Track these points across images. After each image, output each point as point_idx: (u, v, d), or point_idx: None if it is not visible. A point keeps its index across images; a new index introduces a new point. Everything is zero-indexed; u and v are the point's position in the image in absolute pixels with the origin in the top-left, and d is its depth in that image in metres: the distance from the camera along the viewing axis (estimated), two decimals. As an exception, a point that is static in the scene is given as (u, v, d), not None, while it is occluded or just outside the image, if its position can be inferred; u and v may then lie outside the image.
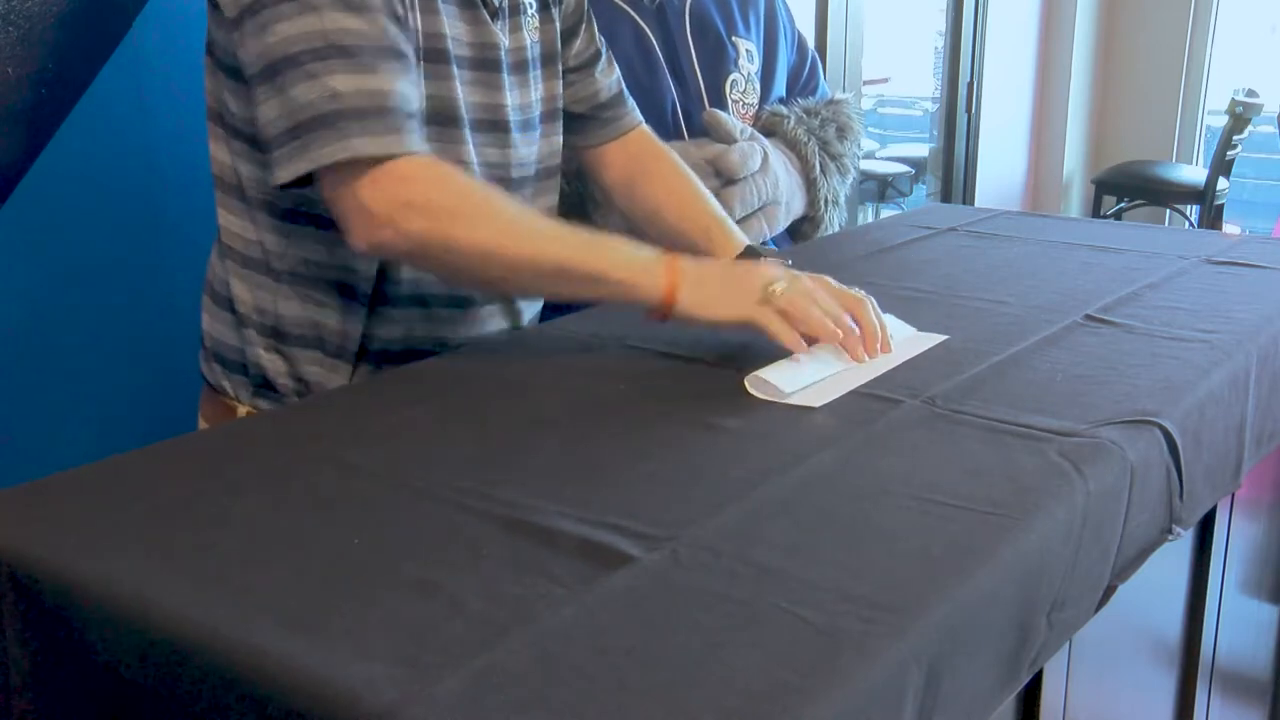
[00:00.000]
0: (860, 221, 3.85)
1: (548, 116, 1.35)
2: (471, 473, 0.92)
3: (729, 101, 1.73)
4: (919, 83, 5.36)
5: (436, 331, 1.28)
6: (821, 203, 1.79)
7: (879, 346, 1.17)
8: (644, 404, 1.08)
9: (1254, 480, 1.35)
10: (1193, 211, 4.74)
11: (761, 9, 1.81)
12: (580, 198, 1.64)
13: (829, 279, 1.22)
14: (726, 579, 0.75)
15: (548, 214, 1.37)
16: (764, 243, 1.73)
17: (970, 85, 4.38)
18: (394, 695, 0.63)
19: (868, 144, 4.49)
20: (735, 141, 1.67)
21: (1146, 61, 4.98)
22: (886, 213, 4.66)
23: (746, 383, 1.09)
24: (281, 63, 1.07)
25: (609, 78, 1.42)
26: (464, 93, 1.22)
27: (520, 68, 1.30)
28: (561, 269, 1.12)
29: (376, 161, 1.07)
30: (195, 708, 0.71)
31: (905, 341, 1.22)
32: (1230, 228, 4.77)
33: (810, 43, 1.97)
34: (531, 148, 1.33)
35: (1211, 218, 4.56)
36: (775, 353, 1.14)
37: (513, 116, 1.28)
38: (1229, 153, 4.55)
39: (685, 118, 1.70)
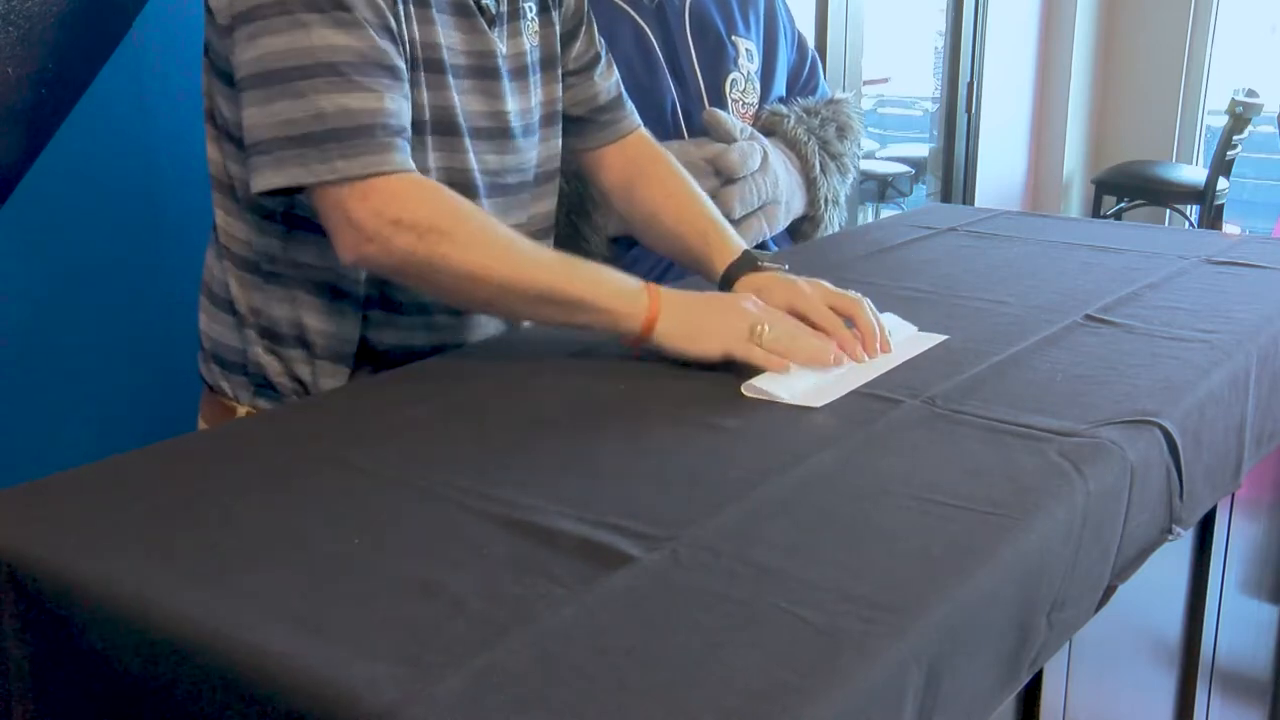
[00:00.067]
0: (860, 221, 3.85)
1: (547, 120, 1.35)
2: (471, 473, 0.92)
3: (729, 101, 1.73)
4: (919, 83, 5.36)
5: (437, 338, 1.28)
6: (821, 202, 1.79)
7: (879, 346, 1.18)
8: (644, 404, 1.08)
9: (1254, 480, 1.35)
10: (1193, 211, 4.74)
11: (761, 8, 1.81)
12: (580, 198, 1.64)
13: (824, 283, 1.23)
14: (726, 579, 0.75)
15: (546, 218, 1.37)
16: (764, 242, 1.73)
17: (970, 85, 4.38)
18: (395, 695, 0.63)
19: (868, 144, 4.48)
20: (735, 141, 1.67)
21: (1146, 61, 4.98)
22: (886, 213, 4.66)
23: (744, 389, 1.09)
24: (269, 76, 1.07)
25: (608, 80, 1.42)
26: (462, 101, 1.23)
27: (520, 73, 1.30)
28: (546, 294, 1.12)
29: (363, 178, 1.07)
30: (195, 708, 0.71)
31: (905, 341, 1.22)
32: (1230, 228, 4.77)
33: (810, 43, 1.97)
34: (531, 152, 1.33)
35: (1211, 218, 4.56)
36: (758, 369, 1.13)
37: (514, 122, 1.28)
38: (1229, 153, 4.55)
39: (685, 117, 1.70)
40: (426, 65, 1.18)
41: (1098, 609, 0.96)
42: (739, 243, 1.35)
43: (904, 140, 5.94)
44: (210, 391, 1.31)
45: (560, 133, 1.38)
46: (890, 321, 1.23)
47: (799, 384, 1.09)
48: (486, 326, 1.32)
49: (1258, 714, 1.69)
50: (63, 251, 1.59)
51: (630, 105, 1.45)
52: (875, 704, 0.67)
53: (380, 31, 1.10)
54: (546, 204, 1.37)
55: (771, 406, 1.06)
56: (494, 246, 1.12)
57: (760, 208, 1.70)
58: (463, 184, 1.21)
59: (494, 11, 1.25)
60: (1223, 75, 5.01)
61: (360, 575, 0.77)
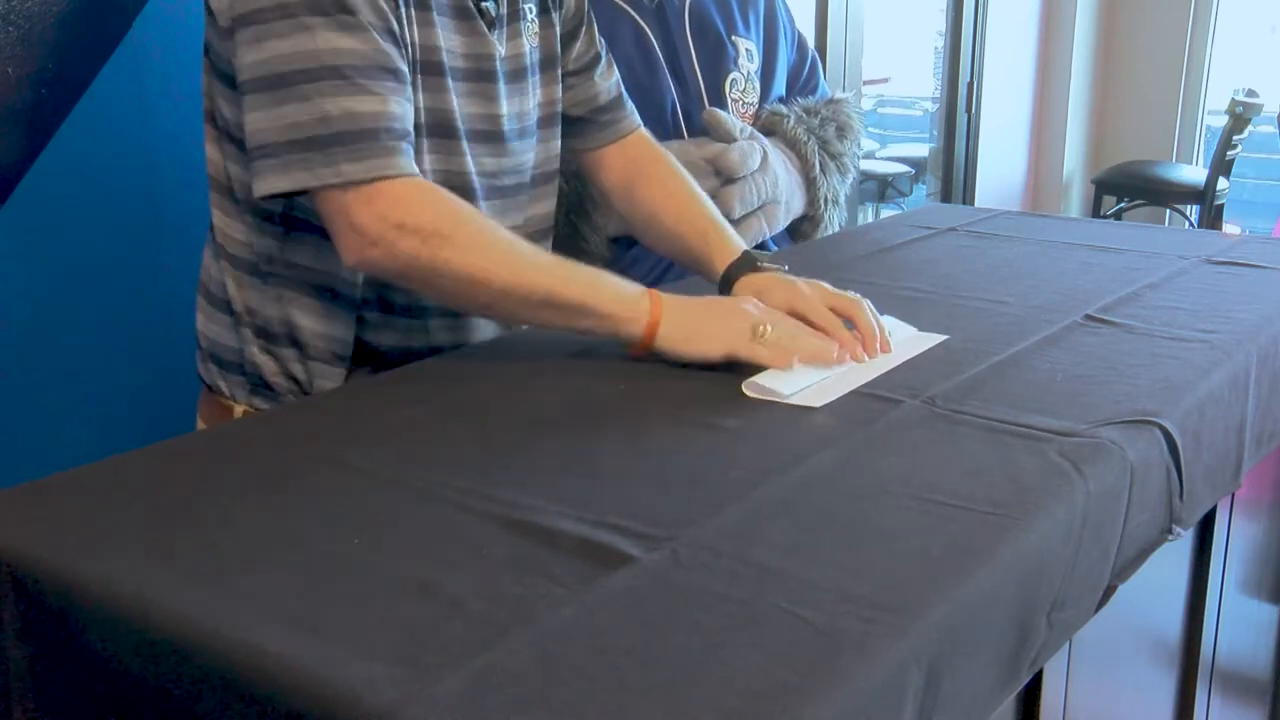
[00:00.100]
0: (860, 221, 3.85)
1: (545, 121, 1.35)
2: (471, 473, 0.92)
3: (729, 101, 1.73)
4: (919, 83, 5.36)
5: (434, 340, 1.28)
6: (821, 202, 1.79)
7: (879, 346, 1.18)
8: (644, 404, 1.08)
9: (1254, 480, 1.35)
10: (1193, 211, 4.74)
11: (761, 8, 1.81)
12: (579, 198, 1.64)
13: (823, 283, 1.23)
14: (726, 579, 0.75)
15: (544, 219, 1.37)
16: (763, 242, 1.73)
17: (970, 85, 4.38)
18: (394, 695, 0.63)
19: (868, 144, 4.48)
20: (735, 140, 1.67)
21: (1146, 61, 4.98)
22: (886, 213, 4.66)
23: (744, 388, 1.09)
24: (273, 80, 1.07)
25: (608, 81, 1.42)
26: (460, 104, 1.23)
27: (518, 75, 1.30)
28: (548, 299, 1.13)
29: (367, 182, 1.07)
30: (195, 708, 0.71)
31: (905, 341, 1.22)
32: (1230, 228, 4.76)
33: (810, 43, 1.97)
34: (528, 154, 1.32)
35: (1211, 218, 4.56)
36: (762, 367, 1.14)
37: (508, 125, 1.28)
38: (1229, 153, 4.55)
39: (685, 117, 1.70)
40: (426, 68, 1.19)
41: (1098, 609, 0.96)
42: (739, 243, 1.35)
43: (904, 140, 5.94)
44: (208, 390, 1.31)
45: (559, 134, 1.38)
46: (889, 323, 1.23)
47: (800, 381, 1.09)
48: (484, 328, 1.33)
49: (1258, 714, 1.69)
50: (63, 251, 1.59)
51: (631, 105, 1.45)
52: (875, 704, 0.67)
53: (384, 35, 1.10)
54: (545, 205, 1.37)
55: (771, 406, 1.06)
56: (494, 250, 1.12)
57: (760, 207, 1.70)
58: (459, 186, 1.21)
59: (494, 14, 1.25)
60: (1223, 75, 5.01)
61: (359, 575, 0.77)
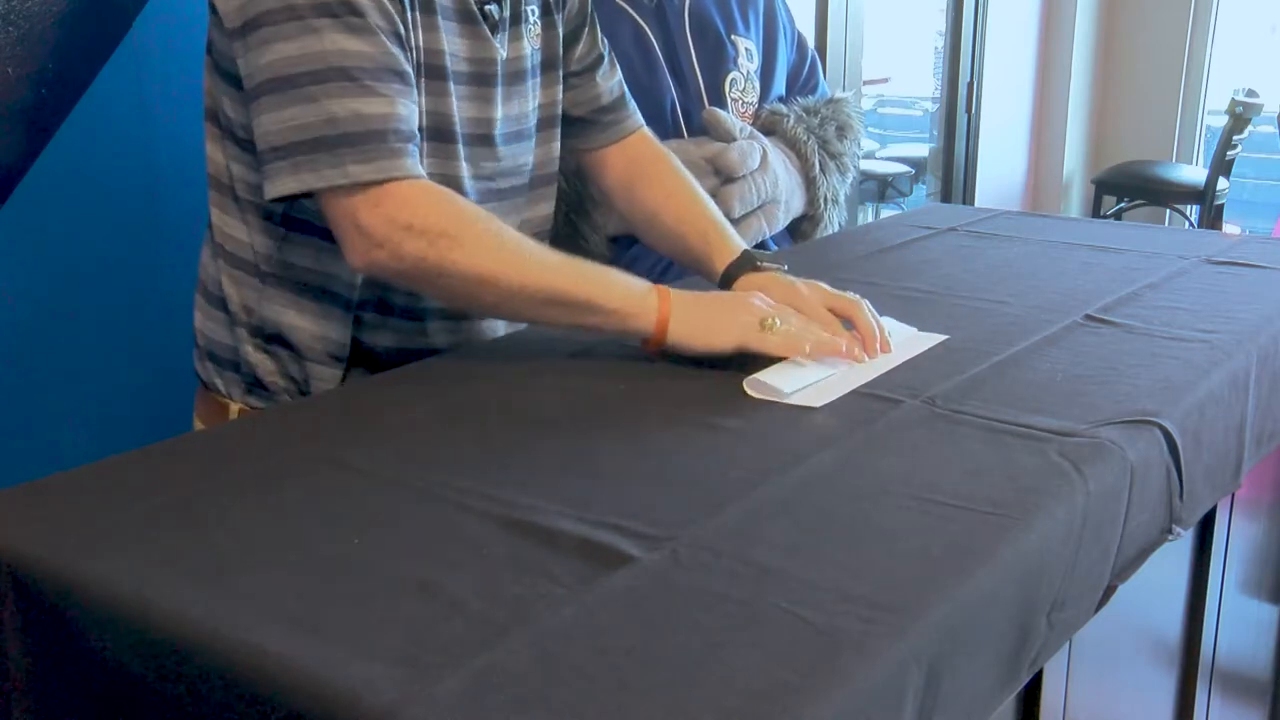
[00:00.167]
0: (860, 221, 3.85)
1: (545, 123, 1.35)
2: (471, 473, 0.92)
3: (728, 100, 1.73)
4: (919, 83, 5.36)
5: (433, 341, 1.28)
6: (821, 201, 1.79)
7: (879, 346, 1.18)
8: (644, 404, 1.08)
9: (1254, 480, 1.35)
10: (1193, 211, 4.74)
11: (761, 8, 1.81)
12: (579, 197, 1.64)
13: (822, 284, 1.23)
14: (726, 579, 0.75)
15: (543, 221, 1.37)
16: (763, 242, 1.73)
17: (970, 85, 4.38)
18: (394, 695, 0.63)
19: (868, 144, 4.48)
20: (734, 140, 1.67)
21: (1146, 61, 4.98)
22: (886, 213, 4.66)
23: (746, 385, 1.09)
24: (281, 82, 1.07)
25: (610, 81, 1.42)
26: (459, 108, 1.23)
27: (517, 78, 1.30)
28: (555, 297, 1.13)
29: (375, 183, 1.08)
30: (195, 708, 0.71)
31: (905, 341, 1.22)
32: (1230, 228, 4.76)
33: (810, 43, 1.97)
34: (525, 157, 1.32)
35: (1211, 218, 4.56)
36: (772, 356, 1.14)
37: (500, 129, 1.28)
38: (1229, 153, 4.55)
39: (685, 116, 1.70)
40: (429, 72, 1.19)
41: (1098, 609, 0.96)
42: (739, 243, 1.35)
43: (904, 140, 5.94)
44: (204, 388, 1.32)
45: (559, 135, 1.38)
46: (889, 323, 1.23)
47: (801, 380, 1.09)
48: (483, 329, 1.32)
49: (1258, 714, 1.69)
50: (63, 251, 1.59)
51: (633, 105, 1.45)
52: (875, 704, 0.67)
53: (391, 37, 1.11)
54: (543, 207, 1.37)
55: (771, 406, 1.06)
56: (501, 250, 1.12)
57: (760, 207, 1.70)
58: (454, 190, 1.21)
59: (497, 17, 1.25)
60: (1223, 75, 5.01)
61: (359, 575, 0.77)
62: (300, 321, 1.23)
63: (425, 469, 0.93)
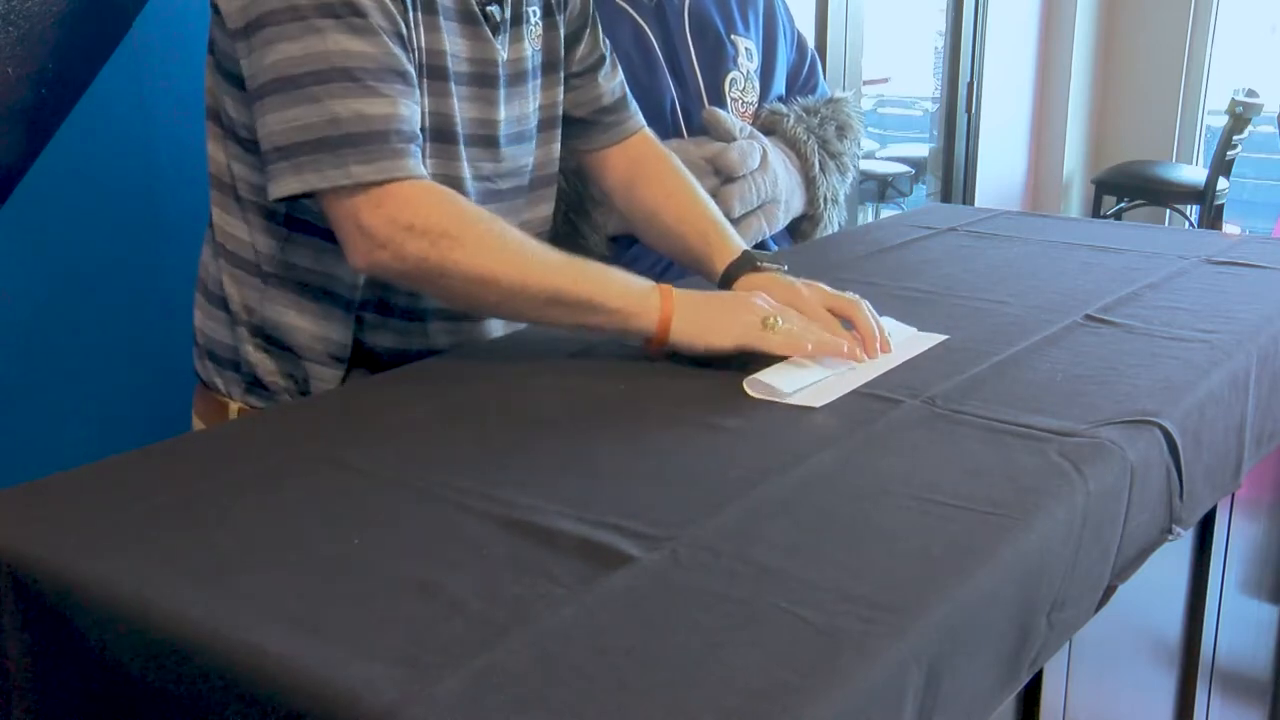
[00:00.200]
0: (860, 221, 3.85)
1: (546, 124, 1.35)
2: (471, 473, 0.92)
3: (728, 100, 1.73)
4: (919, 83, 5.36)
5: (433, 342, 1.28)
6: (821, 201, 1.79)
7: (879, 346, 1.18)
8: (644, 404, 1.08)
9: (1254, 480, 1.35)
10: (1193, 211, 4.74)
11: (760, 7, 1.81)
12: (579, 197, 1.64)
13: (821, 284, 1.23)
14: (726, 579, 0.75)
15: (542, 222, 1.37)
16: (763, 241, 1.73)
17: (970, 85, 4.38)
18: (394, 695, 0.63)
19: (868, 144, 4.48)
20: (734, 139, 1.67)
21: (1146, 61, 4.98)
22: (886, 213, 4.66)
23: (746, 385, 1.09)
24: (284, 82, 1.07)
25: (612, 82, 1.42)
26: (461, 109, 1.23)
27: (518, 79, 1.30)
28: (557, 297, 1.13)
29: (377, 184, 1.08)
30: (195, 708, 0.71)
31: (905, 341, 1.22)
32: (1230, 228, 4.76)
33: (810, 43, 1.97)
34: (526, 158, 1.32)
35: (1211, 218, 4.56)
36: (774, 355, 1.14)
37: (504, 130, 1.28)
38: (1229, 153, 4.55)
39: (684, 116, 1.70)
40: (431, 73, 1.19)
41: (1098, 609, 0.96)
42: (739, 243, 1.35)
43: (904, 140, 5.94)
44: (204, 387, 1.32)
45: (559, 136, 1.38)
46: (889, 324, 1.23)
47: (801, 380, 1.09)
48: (484, 330, 1.32)
49: (1258, 714, 1.69)
50: (63, 251, 1.59)
51: (634, 106, 1.45)
52: (875, 704, 0.67)
53: (393, 38, 1.11)
54: (543, 208, 1.37)
55: (771, 406, 1.06)
56: (503, 250, 1.12)
57: (759, 206, 1.70)
58: (456, 190, 1.21)
59: (498, 18, 1.25)
60: (1223, 75, 5.01)
61: (359, 575, 0.77)
62: (301, 322, 1.23)
63: (425, 469, 0.93)
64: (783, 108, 1.79)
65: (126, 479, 0.93)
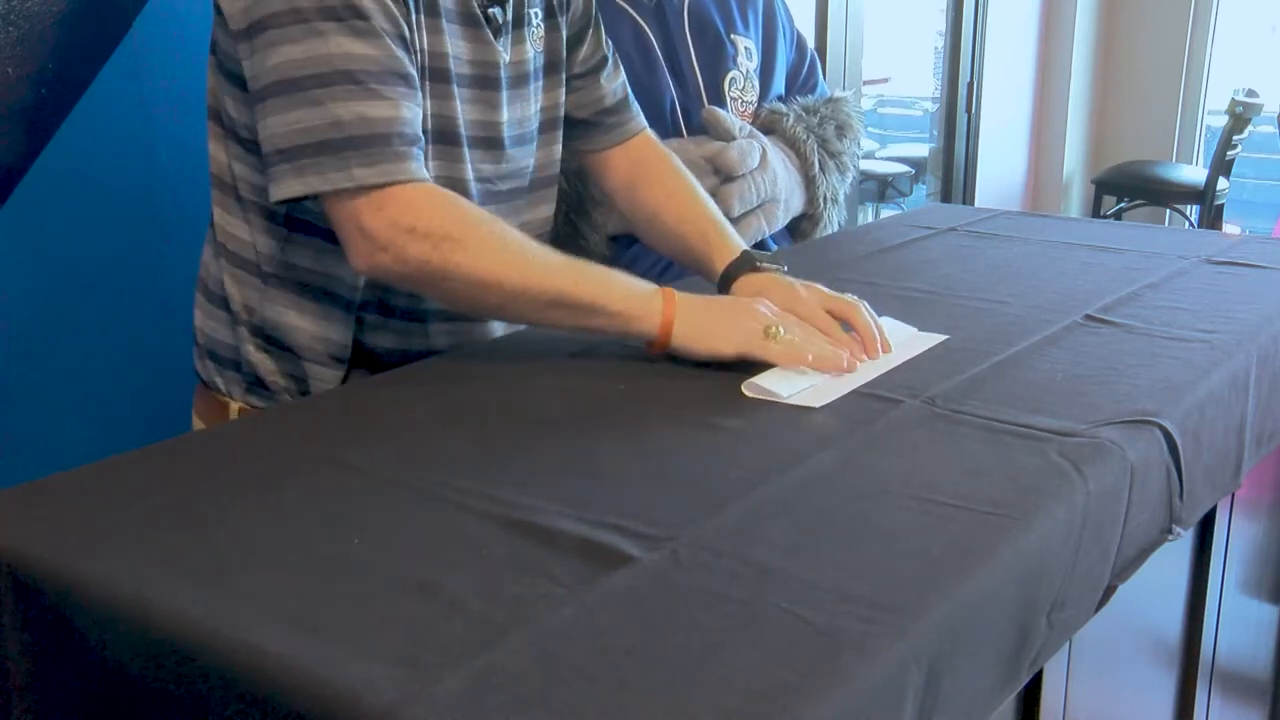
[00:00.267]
0: (860, 221, 3.84)
1: (547, 126, 1.35)
2: (471, 473, 0.92)
3: (728, 99, 1.73)
4: (919, 83, 5.36)
5: (433, 343, 1.28)
6: (820, 200, 1.79)
7: (879, 347, 1.18)
8: (644, 404, 1.08)
9: (1254, 480, 1.35)
10: (1193, 211, 4.74)
11: (760, 7, 1.81)
12: (580, 197, 1.64)
13: (820, 286, 1.23)
14: (726, 579, 0.75)
15: (543, 223, 1.37)
16: (762, 241, 1.73)
17: (970, 85, 4.38)
18: (394, 695, 0.63)
19: (867, 144, 4.48)
20: (734, 139, 1.67)
21: (1146, 61, 4.98)
22: (886, 213, 4.66)
23: (744, 389, 1.09)
24: (286, 85, 1.07)
25: (614, 83, 1.42)
26: (463, 111, 1.23)
27: (520, 81, 1.30)
28: (559, 299, 1.13)
29: (379, 186, 1.08)
30: (195, 708, 0.71)
31: (905, 341, 1.22)
32: (1230, 228, 4.76)
33: (810, 43, 1.97)
34: (527, 160, 1.32)
35: (1211, 218, 4.56)
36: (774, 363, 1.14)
37: (508, 132, 1.28)
38: (1229, 153, 4.55)
39: (684, 115, 1.70)
40: (433, 75, 1.19)
41: (1098, 609, 0.96)
42: (738, 243, 1.35)
43: (904, 140, 5.94)
44: (204, 387, 1.32)
45: (560, 138, 1.38)
46: (889, 324, 1.23)
47: (799, 383, 1.09)
48: (484, 330, 1.33)
49: (1258, 714, 1.69)
50: (63, 251, 1.59)
51: (636, 107, 1.45)
52: (875, 704, 0.67)
53: (396, 40, 1.11)
54: (544, 209, 1.37)
55: (771, 406, 1.06)
56: (505, 253, 1.12)
57: (759, 206, 1.70)
58: (458, 192, 1.21)
59: (500, 21, 1.25)
60: (1223, 75, 5.01)
61: (359, 575, 0.77)
62: (301, 322, 1.23)
63: (425, 469, 0.93)
64: (782, 107, 1.79)
65: (126, 479, 0.93)
